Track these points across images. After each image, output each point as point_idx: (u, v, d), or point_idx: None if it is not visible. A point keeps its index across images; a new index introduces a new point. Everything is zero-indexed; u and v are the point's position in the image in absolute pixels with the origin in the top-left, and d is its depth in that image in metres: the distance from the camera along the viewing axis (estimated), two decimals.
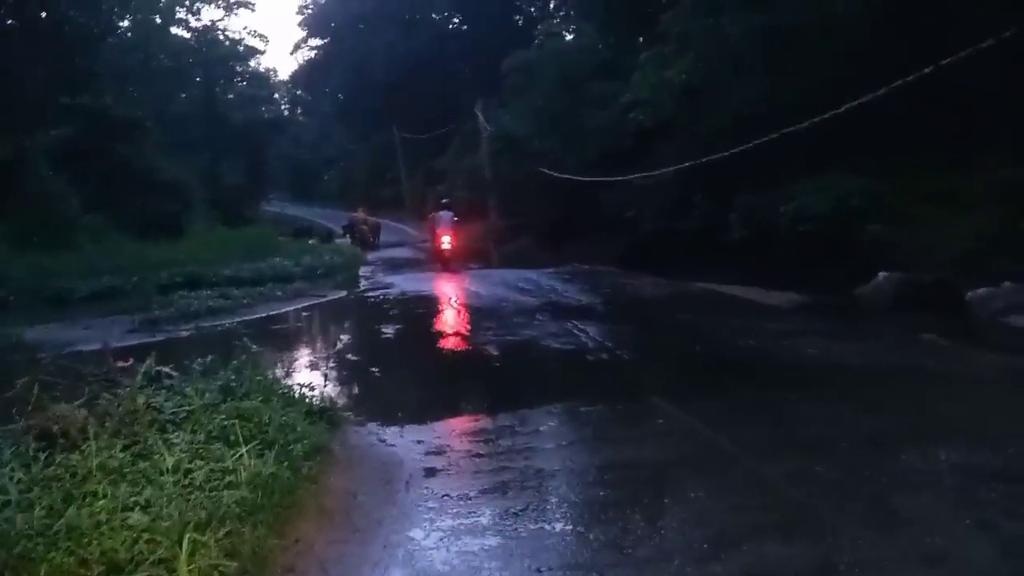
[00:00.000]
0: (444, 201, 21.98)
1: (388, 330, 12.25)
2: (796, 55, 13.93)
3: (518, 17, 44.37)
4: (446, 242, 19.45)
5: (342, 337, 12.29)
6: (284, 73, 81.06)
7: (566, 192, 22.27)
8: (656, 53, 18.09)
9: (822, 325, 10.87)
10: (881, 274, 11.81)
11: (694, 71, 16.45)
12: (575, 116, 23.66)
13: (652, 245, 17.90)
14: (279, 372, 7.96)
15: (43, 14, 21.99)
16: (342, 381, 8.83)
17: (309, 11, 55.73)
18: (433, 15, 48.61)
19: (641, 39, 21.36)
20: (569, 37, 29.55)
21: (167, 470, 4.32)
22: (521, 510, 4.69)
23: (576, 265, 19.98)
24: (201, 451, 4.67)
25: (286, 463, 4.81)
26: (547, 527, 4.45)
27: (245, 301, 15.06)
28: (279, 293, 16.17)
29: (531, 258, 22.63)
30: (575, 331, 10.83)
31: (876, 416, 6.27)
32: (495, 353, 9.95)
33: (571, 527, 4.44)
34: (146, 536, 3.68)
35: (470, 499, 4.92)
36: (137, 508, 3.88)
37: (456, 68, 43.34)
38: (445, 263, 19.58)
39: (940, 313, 10.17)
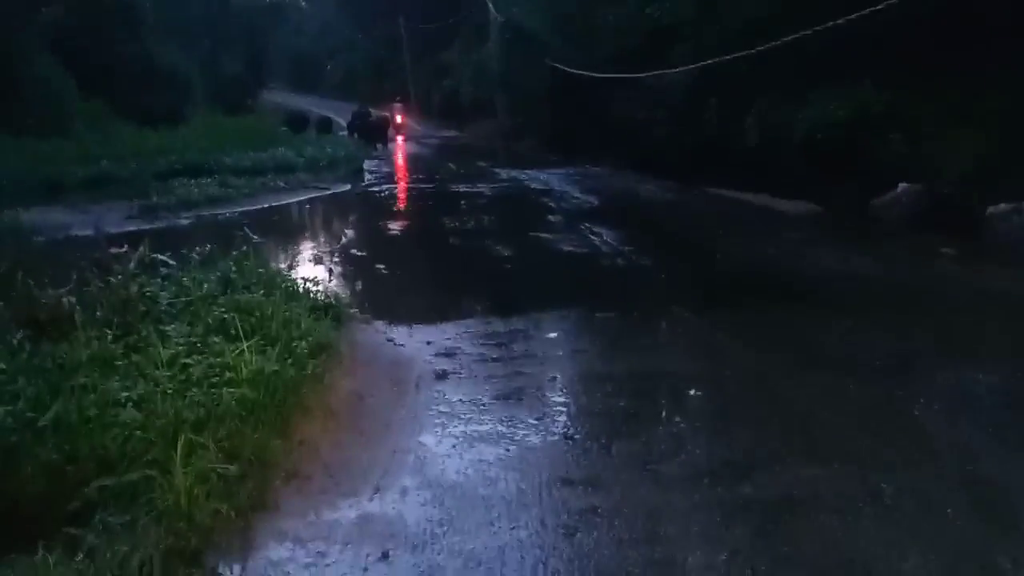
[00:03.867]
0: (398, 98, 34.44)
1: (394, 226, 11.89)
2: None
3: None
4: (398, 120, 31.74)
5: (347, 231, 11.91)
6: None
7: (577, 93, 21.40)
8: None
9: (837, 234, 10.56)
10: (901, 185, 11.36)
11: None
12: (588, 11, 22.53)
13: (664, 150, 17.24)
14: (282, 265, 7.65)
15: None
16: (347, 277, 8.49)
17: None
18: None
19: None
20: None
21: (162, 364, 4.05)
22: (538, 419, 4.44)
23: (587, 168, 19.42)
24: (199, 345, 4.39)
25: (290, 360, 4.54)
26: (567, 438, 4.20)
27: (246, 191, 14.65)
28: (281, 184, 15.72)
29: (541, 159, 21.97)
30: (589, 234, 10.46)
31: (889, 331, 6.00)
32: (506, 254, 9.62)
33: (592, 438, 4.19)
34: (139, 434, 3.43)
35: (483, 405, 4.67)
36: (129, 404, 3.62)
37: None
38: (397, 129, 31.14)
39: (956, 228, 9.81)
